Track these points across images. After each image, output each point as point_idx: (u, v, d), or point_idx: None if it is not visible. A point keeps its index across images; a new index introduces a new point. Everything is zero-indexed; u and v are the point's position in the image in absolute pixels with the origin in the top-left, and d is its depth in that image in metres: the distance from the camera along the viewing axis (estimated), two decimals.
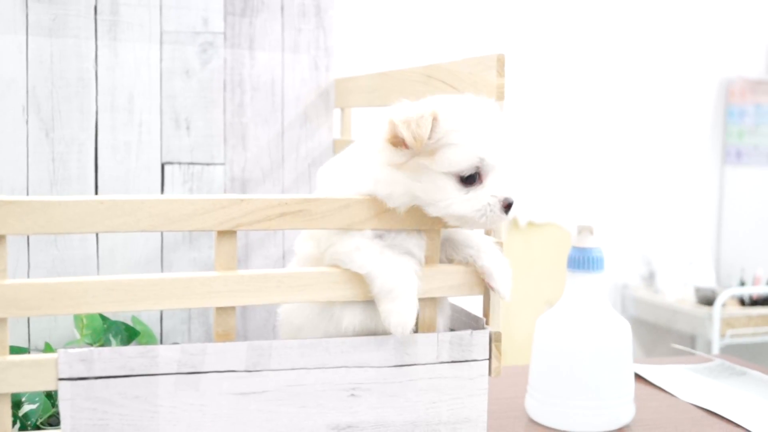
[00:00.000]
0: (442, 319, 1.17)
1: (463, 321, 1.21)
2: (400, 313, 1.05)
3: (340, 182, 1.15)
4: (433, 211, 1.07)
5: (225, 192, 1.54)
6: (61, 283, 0.98)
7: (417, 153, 1.05)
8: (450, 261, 1.15)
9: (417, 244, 1.12)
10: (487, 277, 1.12)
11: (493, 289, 1.12)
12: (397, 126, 1.04)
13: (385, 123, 1.06)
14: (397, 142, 1.05)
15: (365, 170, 1.11)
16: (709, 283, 3.53)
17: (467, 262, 1.14)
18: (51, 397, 1.20)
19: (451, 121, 1.05)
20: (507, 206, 1.06)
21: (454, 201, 1.06)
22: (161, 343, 1.51)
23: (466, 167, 1.05)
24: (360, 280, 1.08)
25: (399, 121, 1.04)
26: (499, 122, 1.08)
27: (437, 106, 1.06)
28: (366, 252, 1.08)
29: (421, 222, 1.10)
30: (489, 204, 1.05)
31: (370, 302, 1.11)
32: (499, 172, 1.07)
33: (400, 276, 1.07)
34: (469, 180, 1.06)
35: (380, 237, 1.11)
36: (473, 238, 1.15)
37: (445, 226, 1.11)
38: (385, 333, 1.11)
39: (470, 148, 1.05)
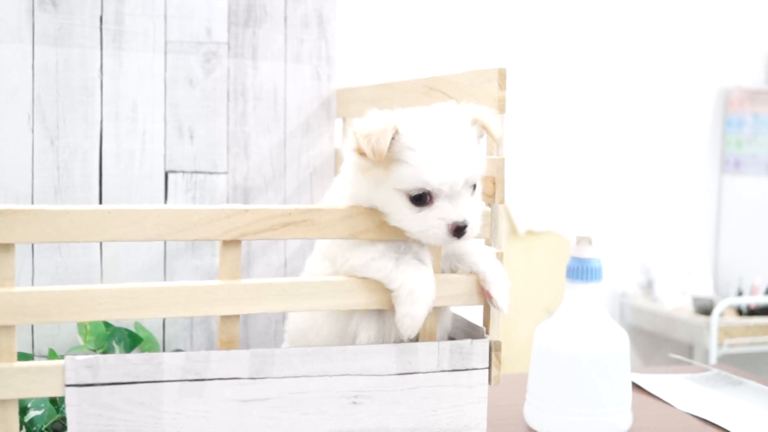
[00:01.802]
0: (441, 328, 1.19)
1: (464, 330, 1.22)
2: (414, 318, 1.08)
3: (332, 191, 1.22)
4: (389, 221, 1.10)
5: (227, 200, 1.56)
6: (68, 290, 1.00)
7: (376, 164, 1.08)
8: (453, 272, 1.17)
9: (428, 254, 1.14)
10: (487, 284, 1.14)
11: (491, 298, 1.14)
12: (359, 138, 1.07)
13: (351, 134, 1.10)
14: (361, 152, 1.07)
15: (346, 177, 1.16)
16: (707, 292, 3.54)
17: (471, 271, 1.15)
18: (55, 403, 1.21)
19: (407, 138, 1.07)
20: (456, 230, 1.06)
21: (404, 217, 1.08)
22: (164, 349, 1.52)
23: (412, 188, 1.07)
24: (365, 288, 1.10)
25: (361, 134, 1.07)
26: (458, 143, 1.08)
27: (399, 119, 1.08)
28: (383, 259, 1.10)
29: None
30: (434, 227, 1.07)
31: (383, 314, 1.13)
32: (450, 196, 1.07)
33: (420, 279, 1.09)
34: (419, 200, 1.07)
35: (393, 249, 1.12)
36: (475, 247, 1.16)
37: None
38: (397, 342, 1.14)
39: (417, 170, 1.06)
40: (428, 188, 1.06)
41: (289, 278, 1.09)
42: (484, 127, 1.11)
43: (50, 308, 0.99)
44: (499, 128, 1.13)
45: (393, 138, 1.06)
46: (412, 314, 1.08)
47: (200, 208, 1.03)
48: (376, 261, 1.10)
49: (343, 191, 1.17)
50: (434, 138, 1.07)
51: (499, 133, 1.13)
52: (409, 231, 1.08)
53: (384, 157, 1.06)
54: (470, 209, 1.08)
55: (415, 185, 1.06)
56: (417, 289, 1.08)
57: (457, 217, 1.06)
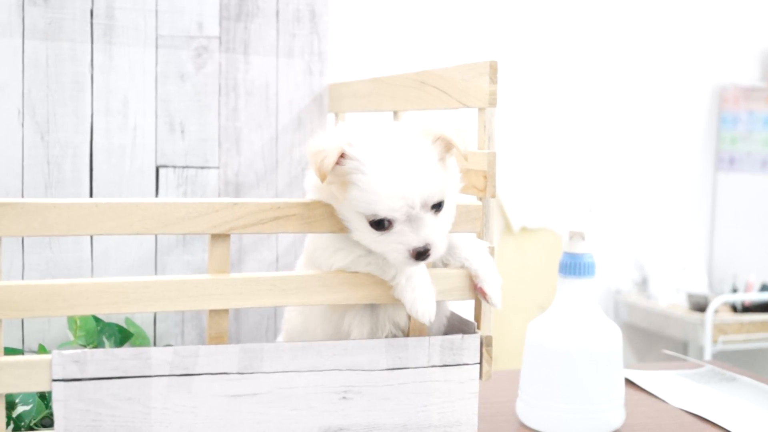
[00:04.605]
0: (438, 323, 1.18)
1: (455, 325, 1.22)
2: (424, 300, 1.07)
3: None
4: (353, 237, 1.07)
5: (219, 196, 1.55)
6: (55, 285, 0.99)
7: (336, 184, 1.05)
8: (445, 265, 1.16)
9: None
10: (479, 281, 1.13)
11: (485, 294, 1.13)
12: (309, 156, 1.05)
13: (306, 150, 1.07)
14: (319, 176, 1.05)
15: (308, 185, 1.14)
16: (701, 289, 3.54)
17: (462, 266, 1.15)
18: (44, 398, 1.20)
19: (357, 160, 1.04)
20: (417, 255, 1.03)
21: (366, 239, 1.05)
22: (154, 345, 1.51)
23: (368, 214, 1.04)
24: (356, 282, 1.10)
25: (310, 152, 1.05)
26: (411, 166, 1.03)
27: (350, 139, 1.05)
28: (371, 254, 1.10)
29: None
30: (395, 251, 1.04)
31: (376, 311, 1.13)
32: (409, 219, 1.03)
33: (419, 268, 1.08)
34: (379, 225, 1.04)
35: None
36: (467, 242, 1.16)
37: None
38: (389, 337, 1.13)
39: (369, 196, 1.03)
40: (381, 215, 1.03)
41: (278, 272, 1.08)
42: (448, 144, 1.08)
43: (37, 302, 0.98)
44: (467, 143, 1.08)
45: (343, 159, 1.04)
46: (420, 298, 1.07)
47: (188, 201, 1.03)
48: (364, 257, 1.10)
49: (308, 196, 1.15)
50: (384, 161, 1.03)
51: (466, 148, 1.08)
52: (372, 249, 1.06)
53: (331, 177, 1.04)
54: (433, 231, 1.04)
55: (369, 211, 1.03)
56: (414, 273, 1.08)
57: (417, 243, 1.03)
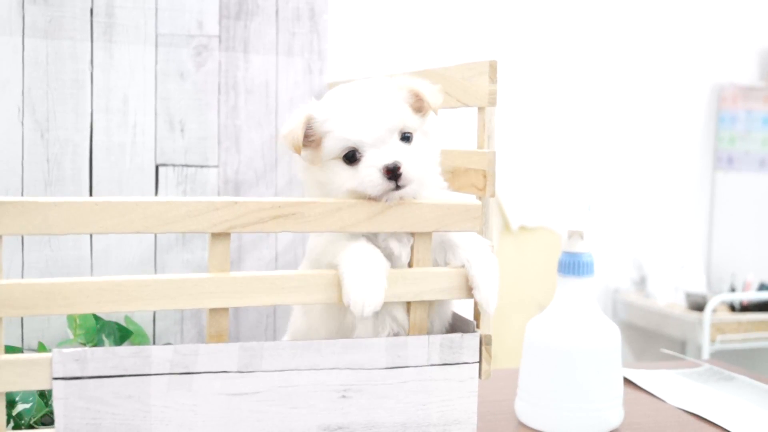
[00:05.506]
0: (438, 321, 1.19)
1: (454, 324, 1.22)
2: (359, 289, 1.06)
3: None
4: (338, 194, 1.13)
5: (218, 194, 1.55)
6: (56, 283, 0.99)
7: (314, 149, 1.15)
8: (446, 264, 1.17)
9: (403, 247, 1.13)
10: (474, 289, 1.13)
11: (478, 302, 1.14)
12: (283, 140, 1.16)
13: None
14: (294, 150, 1.15)
15: (304, 186, 1.24)
16: (699, 288, 3.55)
17: (462, 266, 1.15)
18: (44, 396, 1.20)
19: (324, 113, 1.15)
20: (388, 171, 1.09)
21: (344, 180, 1.12)
22: (154, 343, 1.51)
23: (340, 150, 1.13)
24: None
25: (282, 135, 1.16)
26: (372, 99, 1.14)
27: (312, 105, 1.17)
28: (337, 244, 1.12)
29: (413, 225, 1.11)
30: (368, 175, 1.10)
31: (380, 310, 1.13)
32: (376, 145, 1.11)
33: (363, 255, 1.09)
34: (351, 158, 1.12)
35: (365, 240, 1.12)
36: (469, 242, 1.16)
37: (437, 229, 1.13)
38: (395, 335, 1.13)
39: (338, 132, 1.12)
40: (351, 144, 1.12)
41: (278, 271, 1.08)
42: (416, 94, 1.16)
43: (38, 300, 0.98)
44: (435, 96, 1.17)
45: (311, 123, 1.15)
46: (355, 286, 1.06)
47: (188, 200, 1.03)
48: (332, 245, 1.12)
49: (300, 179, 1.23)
50: (347, 101, 1.15)
51: (435, 101, 1.16)
52: (351, 188, 1.11)
53: (306, 152, 1.16)
54: (402, 154, 1.11)
55: (341, 146, 1.12)
56: (356, 261, 1.08)
57: (386, 160, 1.09)
